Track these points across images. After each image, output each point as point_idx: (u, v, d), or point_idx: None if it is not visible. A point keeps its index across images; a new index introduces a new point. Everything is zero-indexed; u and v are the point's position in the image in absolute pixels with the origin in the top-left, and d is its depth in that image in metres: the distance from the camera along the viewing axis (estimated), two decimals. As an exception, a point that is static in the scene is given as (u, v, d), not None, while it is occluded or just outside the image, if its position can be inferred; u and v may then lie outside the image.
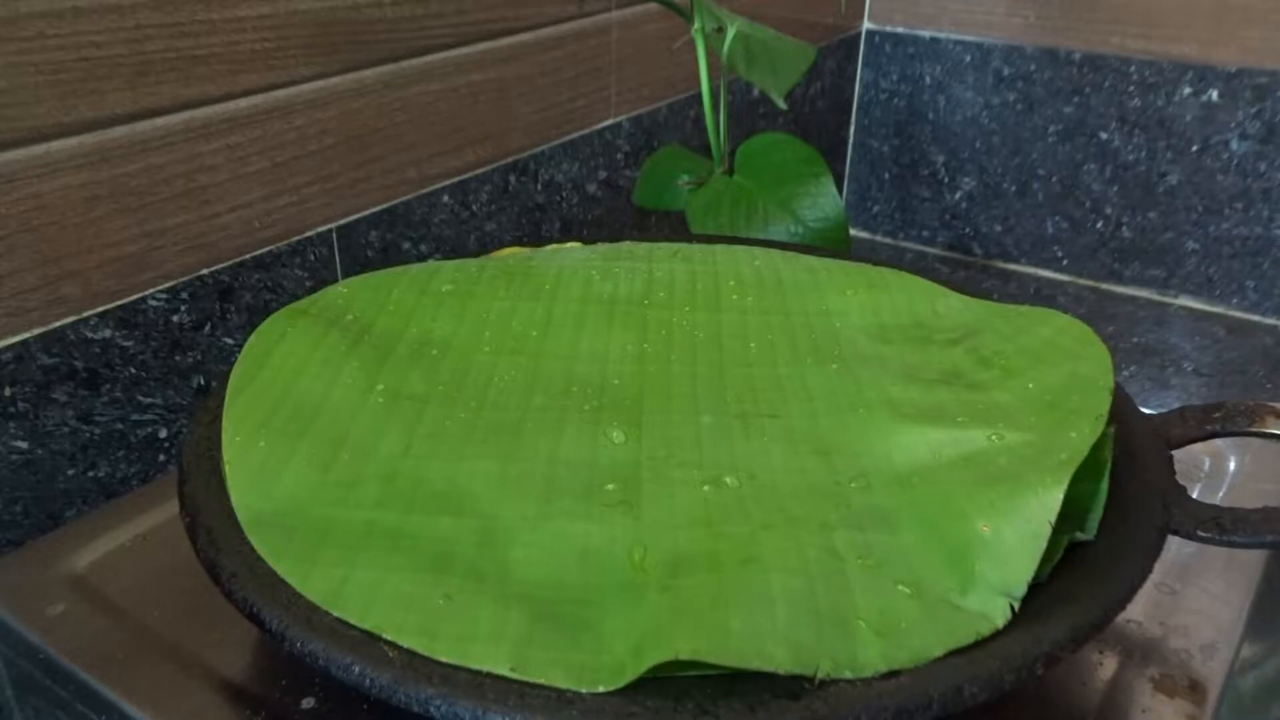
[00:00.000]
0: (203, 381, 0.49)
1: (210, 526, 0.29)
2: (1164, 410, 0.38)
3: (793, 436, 0.36)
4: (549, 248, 0.50)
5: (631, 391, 0.38)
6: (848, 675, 0.26)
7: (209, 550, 0.28)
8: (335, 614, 0.27)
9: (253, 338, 0.38)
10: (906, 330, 0.43)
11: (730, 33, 0.58)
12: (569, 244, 0.51)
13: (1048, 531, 0.29)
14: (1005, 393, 0.37)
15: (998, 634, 0.27)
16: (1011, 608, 0.28)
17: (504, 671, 0.26)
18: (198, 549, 0.29)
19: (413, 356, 0.39)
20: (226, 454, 0.32)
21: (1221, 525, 0.31)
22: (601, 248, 0.50)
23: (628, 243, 0.51)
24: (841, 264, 0.48)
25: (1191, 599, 0.36)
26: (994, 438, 0.34)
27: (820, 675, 0.26)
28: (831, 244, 0.56)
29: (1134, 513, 0.31)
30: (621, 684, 0.25)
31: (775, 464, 0.34)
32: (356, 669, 0.26)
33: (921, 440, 0.35)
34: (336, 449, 0.34)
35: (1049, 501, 0.29)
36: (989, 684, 0.26)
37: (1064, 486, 0.30)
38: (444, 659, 0.26)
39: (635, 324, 0.42)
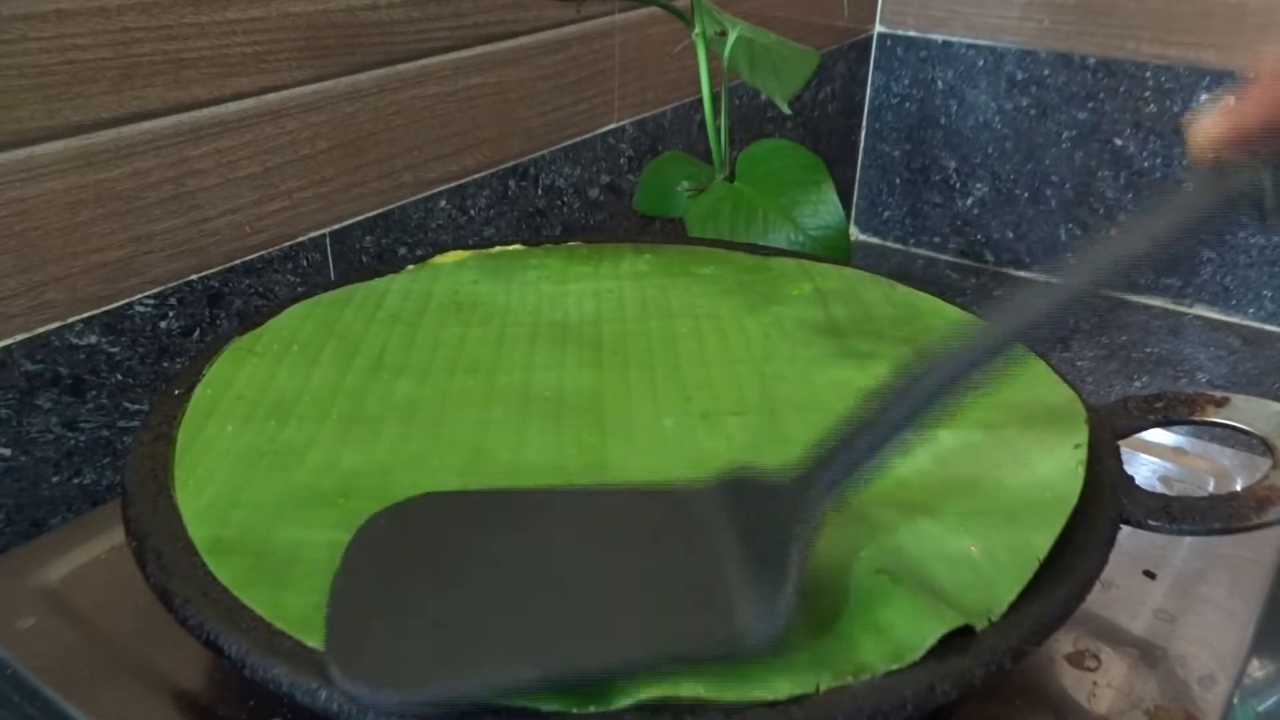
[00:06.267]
0: (191, 388, 0.48)
1: (160, 551, 0.29)
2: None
3: (755, 435, 0.36)
4: (494, 249, 0.50)
5: (591, 400, 0.38)
6: (850, 681, 0.26)
7: (160, 576, 0.28)
8: (310, 644, 0.26)
9: (200, 388, 0.38)
10: (859, 324, 0.44)
11: (732, 37, 0.57)
12: (512, 245, 0.51)
13: (1034, 567, 0.29)
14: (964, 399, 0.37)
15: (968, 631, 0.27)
16: (989, 619, 0.28)
17: None
18: (147, 574, 0.28)
19: (365, 382, 0.39)
20: (180, 496, 0.32)
21: (1171, 514, 0.32)
22: (548, 248, 0.50)
23: (577, 243, 0.51)
24: (790, 261, 0.50)
25: (1190, 628, 0.35)
26: (967, 443, 0.34)
27: (823, 689, 0.25)
28: (832, 252, 0.55)
29: (1088, 504, 0.31)
30: (615, 707, 0.25)
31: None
32: (323, 694, 0.25)
33: None
34: (294, 472, 0.33)
35: (1042, 542, 0.30)
36: (960, 681, 0.26)
37: (1056, 532, 0.30)
38: None
39: (589, 339, 0.42)
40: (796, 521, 0.27)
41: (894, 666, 0.26)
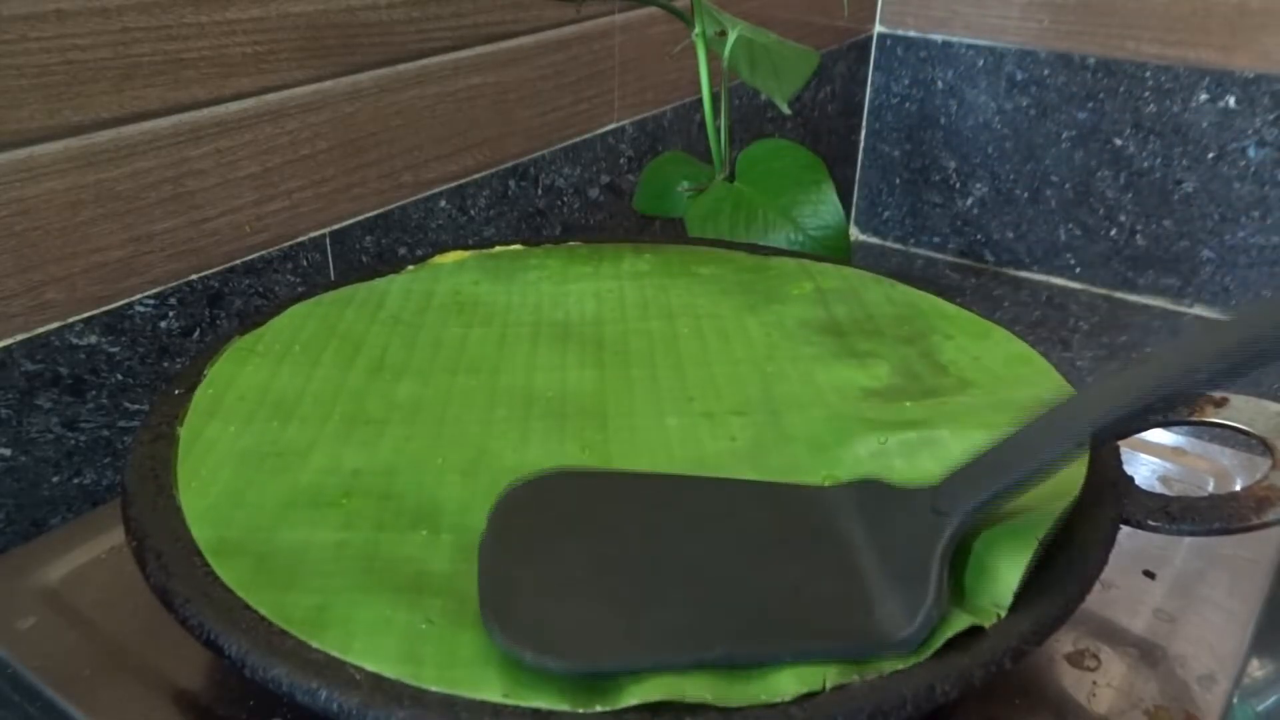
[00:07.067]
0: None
1: (160, 551, 0.29)
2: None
3: (759, 434, 0.36)
4: (495, 249, 0.50)
5: (594, 399, 0.38)
6: (856, 680, 0.26)
7: (160, 576, 0.28)
8: (316, 645, 0.26)
9: (201, 388, 0.37)
10: (860, 323, 0.43)
11: (732, 37, 0.57)
12: (512, 245, 0.51)
13: (1036, 550, 0.29)
14: (968, 398, 0.37)
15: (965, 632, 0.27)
16: (998, 615, 0.28)
17: (498, 699, 0.25)
18: (147, 574, 0.28)
19: (367, 383, 0.39)
20: (184, 497, 0.32)
21: (1171, 514, 0.32)
22: (548, 248, 0.50)
23: (577, 243, 0.51)
24: (790, 260, 0.50)
25: (1190, 628, 0.35)
26: (968, 444, 0.34)
27: (829, 686, 0.25)
28: (832, 252, 0.55)
29: (1088, 504, 0.31)
30: (619, 706, 0.25)
31: (744, 463, 0.34)
32: (323, 694, 0.25)
33: (889, 439, 0.35)
34: (297, 473, 0.33)
35: (1040, 528, 0.29)
36: (960, 681, 0.26)
37: (1055, 520, 0.30)
38: (433, 688, 0.25)
39: (591, 339, 0.42)
40: (937, 535, 0.28)
41: (901, 666, 0.26)
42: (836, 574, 0.28)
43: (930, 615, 0.26)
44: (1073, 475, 0.32)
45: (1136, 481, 0.34)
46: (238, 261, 0.49)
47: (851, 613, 0.27)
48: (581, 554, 0.29)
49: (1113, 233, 0.94)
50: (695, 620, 0.27)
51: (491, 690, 0.25)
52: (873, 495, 0.30)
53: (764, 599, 0.28)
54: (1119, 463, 0.34)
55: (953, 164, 1.00)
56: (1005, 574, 0.28)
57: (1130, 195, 0.92)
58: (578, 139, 0.68)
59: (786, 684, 0.25)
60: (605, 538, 0.29)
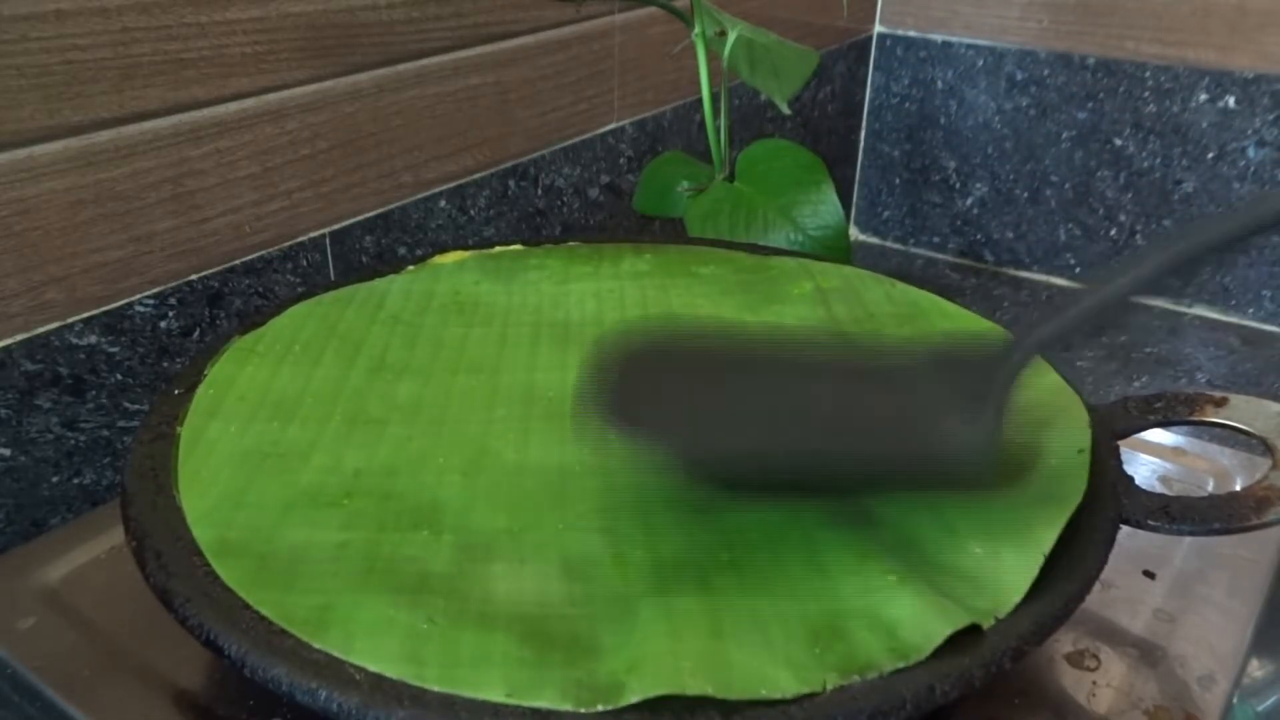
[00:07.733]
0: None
1: (160, 551, 0.29)
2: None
3: None
4: (495, 249, 0.50)
5: None
6: (856, 680, 0.26)
7: (159, 575, 0.28)
8: (318, 645, 0.26)
9: (201, 388, 0.37)
10: (860, 323, 0.44)
11: (731, 37, 0.57)
12: (512, 245, 0.51)
13: (1039, 563, 0.29)
14: None
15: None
16: (995, 618, 0.28)
17: (500, 699, 0.25)
18: (147, 574, 0.28)
19: (368, 383, 0.39)
20: (184, 497, 0.32)
21: (1170, 514, 0.32)
22: (548, 249, 0.51)
23: (577, 243, 0.51)
24: (790, 260, 0.50)
25: (1190, 628, 0.35)
26: None
27: (829, 688, 0.25)
28: (832, 252, 0.55)
29: (1088, 504, 0.32)
30: (621, 704, 0.25)
31: None
32: (322, 694, 0.25)
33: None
34: (298, 473, 0.33)
35: (1045, 542, 0.30)
36: (960, 681, 0.26)
37: (1059, 531, 0.30)
38: (435, 688, 0.25)
39: (592, 339, 0.42)
40: (1004, 360, 0.32)
41: (900, 665, 0.26)
42: (910, 402, 0.32)
43: (992, 428, 0.30)
44: (1074, 482, 0.32)
45: (1136, 481, 0.34)
46: (238, 261, 0.49)
47: (922, 430, 0.31)
48: (682, 383, 0.33)
49: (1112, 233, 0.94)
50: (787, 430, 0.31)
51: (494, 690, 0.25)
52: (949, 342, 0.34)
53: (846, 420, 0.32)
54: (1119, 463, 0.34)
55: (952, 164, 1.00)
56: (1008, 589, 0.28)
57: (1130, 195, 0.92)
58: (578, 139, 0.68)
59: (786, 680, 0.25)
60: (705, 373, 0.34)
